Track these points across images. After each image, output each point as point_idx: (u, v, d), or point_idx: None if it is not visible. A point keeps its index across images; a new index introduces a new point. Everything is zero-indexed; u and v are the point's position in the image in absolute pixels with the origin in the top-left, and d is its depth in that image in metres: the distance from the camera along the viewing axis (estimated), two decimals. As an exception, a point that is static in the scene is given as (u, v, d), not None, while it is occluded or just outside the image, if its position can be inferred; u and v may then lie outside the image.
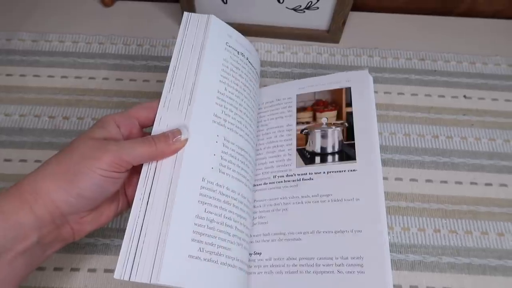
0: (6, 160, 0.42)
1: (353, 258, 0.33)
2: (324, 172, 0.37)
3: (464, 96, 0.46)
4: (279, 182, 0.38)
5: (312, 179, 0.37)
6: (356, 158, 0.36)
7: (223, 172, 0.33)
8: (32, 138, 0.43)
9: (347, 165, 0.36)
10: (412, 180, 0.41)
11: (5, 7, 0.52)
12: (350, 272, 0.33)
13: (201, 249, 0.29)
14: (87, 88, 0.46)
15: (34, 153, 0.42)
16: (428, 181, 0.41)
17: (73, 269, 0.37)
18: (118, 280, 0.36)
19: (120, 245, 0.37)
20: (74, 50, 0.49)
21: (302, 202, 0.36)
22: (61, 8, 0.52)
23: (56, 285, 0.36)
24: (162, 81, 0.47)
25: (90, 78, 0.47)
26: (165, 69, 0.47)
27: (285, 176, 0.38)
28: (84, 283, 0.36)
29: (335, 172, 0.37)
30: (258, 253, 0.35)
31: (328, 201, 0.36)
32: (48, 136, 0.43)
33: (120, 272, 0.27)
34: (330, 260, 0.33)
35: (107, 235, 0.38)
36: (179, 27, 0.50)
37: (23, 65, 0.47)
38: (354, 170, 0.36)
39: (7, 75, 0.47)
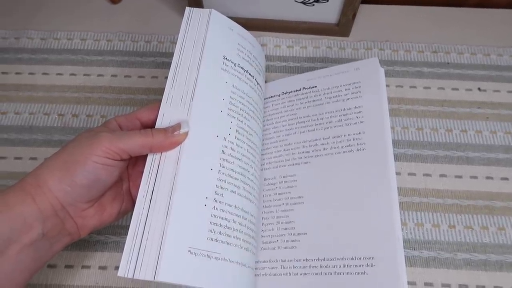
0: (16, 158, 0.42)
1: (365, 257, 0.33)
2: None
3: (479, 89, 0.45)
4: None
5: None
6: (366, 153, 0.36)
7: (227, 167, 0.32)
8: (41, 136, 0.43)
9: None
10: (425, 175, 0.41)
11: (13, 5, 0.52)
12: (362, 266, 0.32)
13: (205, 246, 0.29)
14: (95, 85, 0.46)
15: (44, 151, 0.42)
16: (442, 175, 0.40)
17: (84, 267, 0.37)
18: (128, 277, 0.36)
19: (130, 243, 0.38)
20: (83, 47, 0.49)
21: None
22: (69, 5, 0.52)
23: (67, 283, 0.36)
24: (170, 78, 0.47)
25: (99, 75, 0.47)
26: (174, 65, 0.47)
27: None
28: (95, 280, 0.36)
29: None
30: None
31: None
32: (57, 134, 0.43)
33: (124, 270, 0.27)
34: (341, 259, 0.33)
35: (118, 232, 0.38)
36: (186, 23, 0.50)
37: (32, 63, 0.47)
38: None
39: (16, 73, 0.47)
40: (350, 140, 0.37)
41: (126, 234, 0.38)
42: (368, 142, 0.36)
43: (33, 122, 0.44)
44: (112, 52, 0.48)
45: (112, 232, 0.38)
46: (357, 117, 0.38)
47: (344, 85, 0.40)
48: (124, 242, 0.37)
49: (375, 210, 0.34)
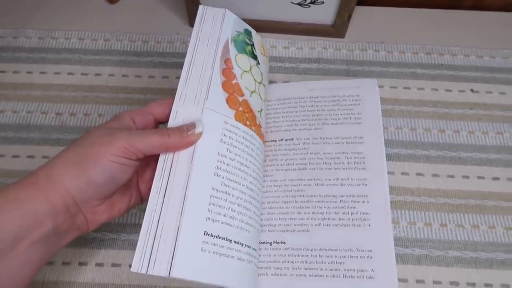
0: (14, 156, 0.42)
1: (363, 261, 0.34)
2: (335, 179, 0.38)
3: (471, 90, 0.46)
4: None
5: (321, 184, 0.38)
6: (365, 166, 0.38)
7: (239, 163, 0.33)
8: (39, 135, 0.43)
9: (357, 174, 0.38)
10: (418, 174, 0.41)
11: (11, 5, 0.52)
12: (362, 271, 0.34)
13: (218, 244, 0.29)
14: (93, 84, 0.46)
15: (41, 149, 0.43)
16: (434, 175, 0.41)
17: (81, 263, 0.37)
18: (125, 274, 0.37)
19: (127, 240, 0.38)
20: (80, 47, 0.49)
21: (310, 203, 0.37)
22: (67, 5, 0.52)
23: (64, 279, 0.36)
24: (167, 77, 0.47)
25: (96, 74, 0.47)
26: (171, 65, 0.48)
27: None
28: (92, 277, 0.37)
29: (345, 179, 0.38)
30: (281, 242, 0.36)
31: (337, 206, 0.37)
32: (55, 132, 0.44)
33: (138, 266, 0.27)
34: (342, 263, 0.34)
35: (114, 229, 0.39)
36: (183, 23, 0.51)
37: (29, 62, 0.48)
38: (364, 179, 0.37)
39: (14, 72, 0.47)
40: (350, 158, 0.39)
41: (122, 231, 0.39)
42: (368, 163, 0.38)
43: (30, 120, 0.44)
44: (110, 52, 0.49)
45: (108, 230, 0.39)
46: (357, 137, 0.40)
47: (344, 104, 0.42)
48: (121, 239, 0.38)
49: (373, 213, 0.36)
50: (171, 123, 0.32)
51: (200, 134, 0.31)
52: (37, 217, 0.26)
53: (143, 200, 0.34)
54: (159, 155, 0.31)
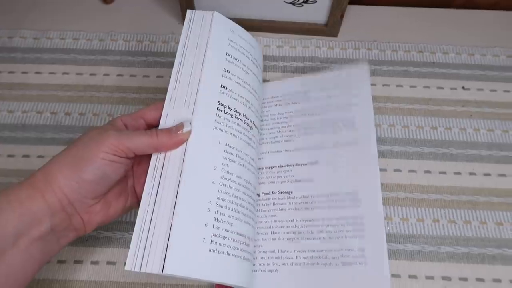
0: (9, 155, 0.42)
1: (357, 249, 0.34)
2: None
3: (463, 88, 0.46)
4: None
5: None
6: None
7: (231, 162, 0.33)
8: (34, 134, 0.44)
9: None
10: (411, 171, 0.42)
11: (6, 5, 0.52)
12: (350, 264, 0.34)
13: (211, 241, 0.30)
14: (88, 84, 0.47)
15: (36, 149, 0.43)
16: (427, 172, 0.42)
17: (76, 262, 0.37)
18: (120, 272, 0.37)
19: (122, 238, 0.38)
20: (75, 47, 0.49)
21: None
22: (61, 5, 0.52)
23: (60, 277, 0.37)
24: (162, 76, 0.47)
25: (91, 74, 0.47)
26: (165, 65, 0.48)
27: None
28: (87, 275, 0.37)
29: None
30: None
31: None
32: (50, 132, 0.44)
33: (131, 264, 0.28)
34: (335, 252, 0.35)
35: (109, 228, 0.39)
36: (178, 23, 0.51)
37: (25, 62, 0.48)
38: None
39: (9, 72, 0.47)
40: (343, 156, 0.39)
41: (118, 229, 0.39)
42: (360, 140, 0.38)
43: (26, 120, 0.44)
44: (104, 52, 0.49)
45: (104, 228, 0.39)
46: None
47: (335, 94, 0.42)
48: (116, 237, 0.38)
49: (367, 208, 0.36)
50: (162, 125, 0.32)
51: (189, 133, 0.31)
52: (35, 216, 0.27)
53: (140, 202, 0.34)
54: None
